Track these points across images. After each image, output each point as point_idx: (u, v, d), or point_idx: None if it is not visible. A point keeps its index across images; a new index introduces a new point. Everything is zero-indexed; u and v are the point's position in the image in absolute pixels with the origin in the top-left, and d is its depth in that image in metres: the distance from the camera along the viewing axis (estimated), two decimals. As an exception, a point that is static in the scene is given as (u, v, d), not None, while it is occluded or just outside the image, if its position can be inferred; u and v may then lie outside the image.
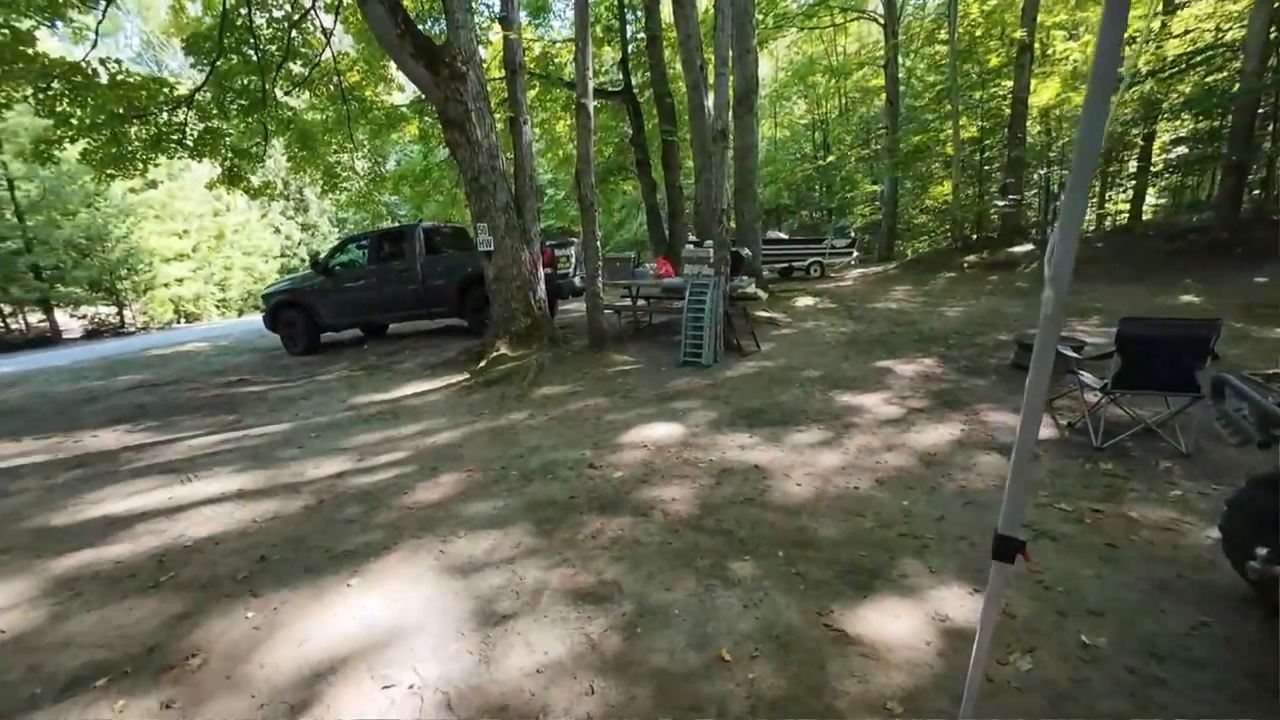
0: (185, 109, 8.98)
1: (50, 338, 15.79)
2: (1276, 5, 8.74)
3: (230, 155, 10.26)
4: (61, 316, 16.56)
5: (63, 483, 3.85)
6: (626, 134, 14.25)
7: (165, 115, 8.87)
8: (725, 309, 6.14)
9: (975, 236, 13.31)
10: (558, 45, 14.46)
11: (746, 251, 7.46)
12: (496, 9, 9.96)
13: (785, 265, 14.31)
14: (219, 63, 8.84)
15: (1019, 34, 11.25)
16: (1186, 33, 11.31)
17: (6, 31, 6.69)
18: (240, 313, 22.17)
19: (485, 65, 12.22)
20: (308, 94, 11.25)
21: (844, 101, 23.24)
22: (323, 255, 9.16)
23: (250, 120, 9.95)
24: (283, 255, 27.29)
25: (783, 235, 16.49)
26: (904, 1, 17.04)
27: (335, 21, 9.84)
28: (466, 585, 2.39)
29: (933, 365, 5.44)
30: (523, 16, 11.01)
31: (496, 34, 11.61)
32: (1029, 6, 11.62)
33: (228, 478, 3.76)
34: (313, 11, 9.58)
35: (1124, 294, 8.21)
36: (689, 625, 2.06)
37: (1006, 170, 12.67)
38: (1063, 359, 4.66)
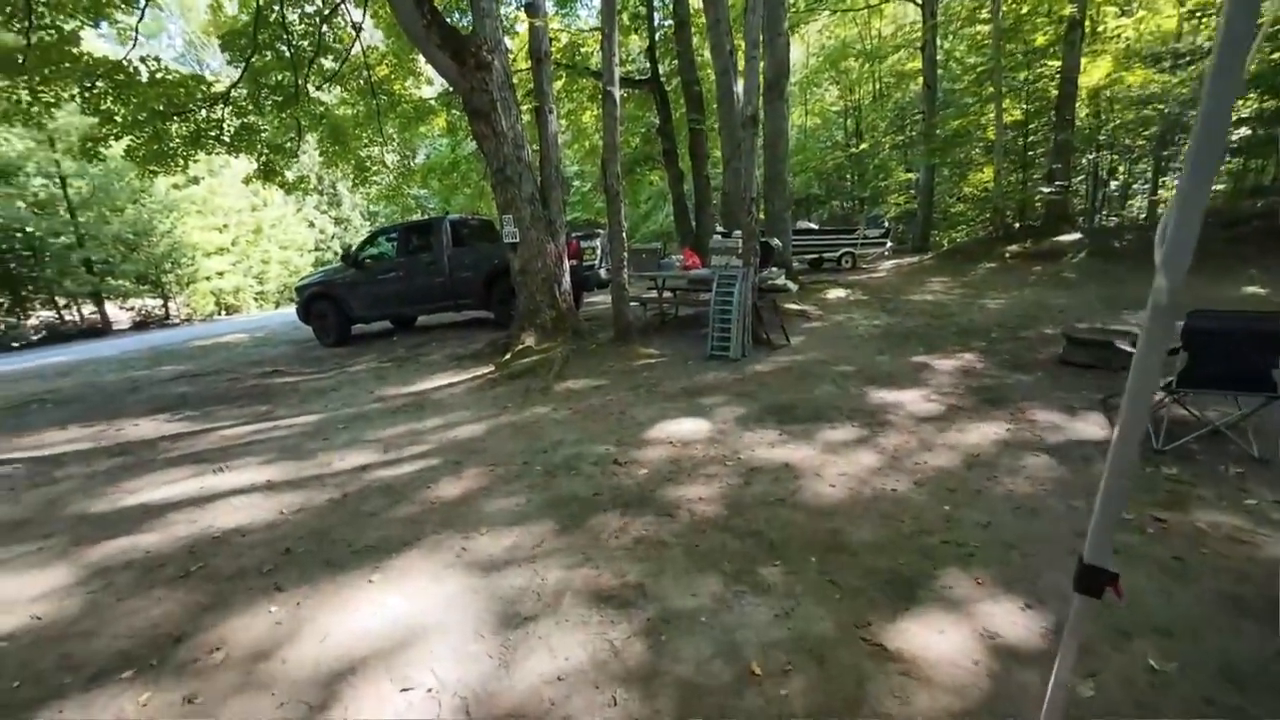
0: (222, 105, 9.18)
1: (101, 329, 16.50)
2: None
3: (265, 151, 10.48)
4: (111, 309, 17.29)
5: (104, 470, 3.96)
6: (653, 123, 14.10)
7: (204, 112, 9.09)
8: (754, 301, 5.98)
9: (1017, 225, 12.73)
10: (584, 34, 14.33)
11: (776, 242, 7.26)
12: (523, -2, 9.91)
13: (815, 256, 13.96)
14: (253, 59, 9.00)
15: (1068, 9, 10.64)
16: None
17: (54, 32, 6.90)
18: (277, 305, 22.82)
19: (512, 56, 12.20)
20: (339, 89, 11.40)
21: (878, 87, 22.51)
22: (353, 248, 9.29)
23: (284, 116, 10.13)
24: (317, 249, 27.95)
25: (813, 225, 16.09)
26: (944, -20, 16.34)
27: (365, 15, 9.91)
28: (487, 584, 2.34)
29: (973, 360, 5.20)
30: (549, 4, 10.93)
31: (523, 25, 11.56)
32: (1080, -21, 11.00)
33: (258, 468, 3.80)
34: (343, 6, 9.67)
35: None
36: (716, 633, 1.96)
37: (1052, 155, 12.06)
38: (1119, 354, 4.40)
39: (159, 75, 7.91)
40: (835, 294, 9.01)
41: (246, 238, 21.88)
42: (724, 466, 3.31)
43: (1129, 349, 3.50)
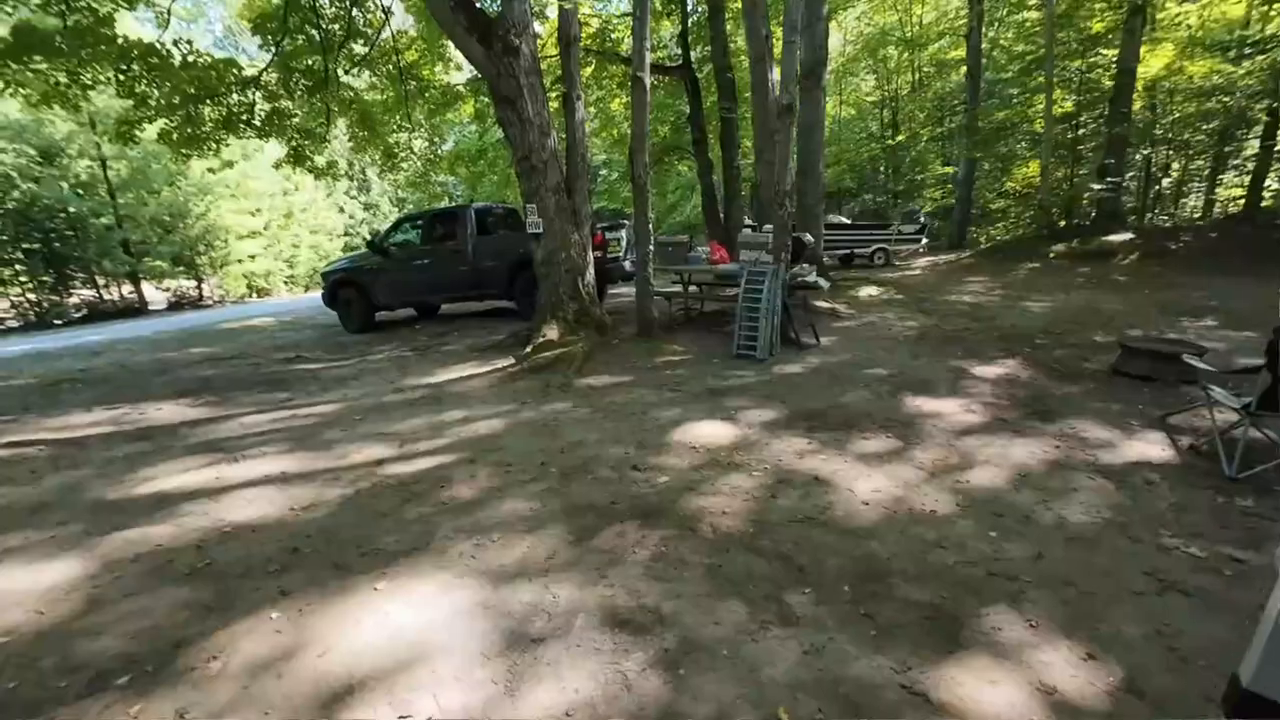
0: (253, 90, 9.21)
1: (138, 309, 16.96)
2: None
3: (296, 135, 10.52)
4: (148, 289, 17.76)
5: (123, 456, 3.96)
6: (683, 112, 13.79)
7: (235, 96, 9.13)
8: (784, 299, 5.75)
9: (1064, 223, 12.13)
10: (616, 21, 14.05)
11: (809, 237, 6.99)
12: (553, -20, 9.69)
13: (847, 252, 13.56)
14: (284, 42, 8.99)
15: (1129, -7, 10.00)
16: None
17: (89, 14, 6.95)
18: (306, 289, 23.19)
19: (542, 43, 12.01)
20: (368, 73, 11.37)
21: (917, 76, 21.72)
22: (379, 235, 9.27)
23: (314, 100, 10.13)
24: (346, 234, 28.31)
25: (845, 220, 15.63)
26: (993, -37, 15.57)
27: (395, -1, 9.83)
28: (496, 599, 2.21)
29: (1017, 368, 4.90)
30: (581, -11, 10.67)
31: (553, 10, 11.35)
32: (1142, -38, 10.33)
33: (273, 459, 3.75)
34: (373, -11, 9.60)
35: (1242, 291, 7.22)
36: (740, 670, 1.80)
37: (1106, 149, 11.41)
38: (1185, 369, 4.07)
39: (191, 59, 7.93)
40: (868, 292, 8.69)
41: (278, 222, 22.24)
42: (749, 477, 3.13)
43: (1200, 365, 3.20)
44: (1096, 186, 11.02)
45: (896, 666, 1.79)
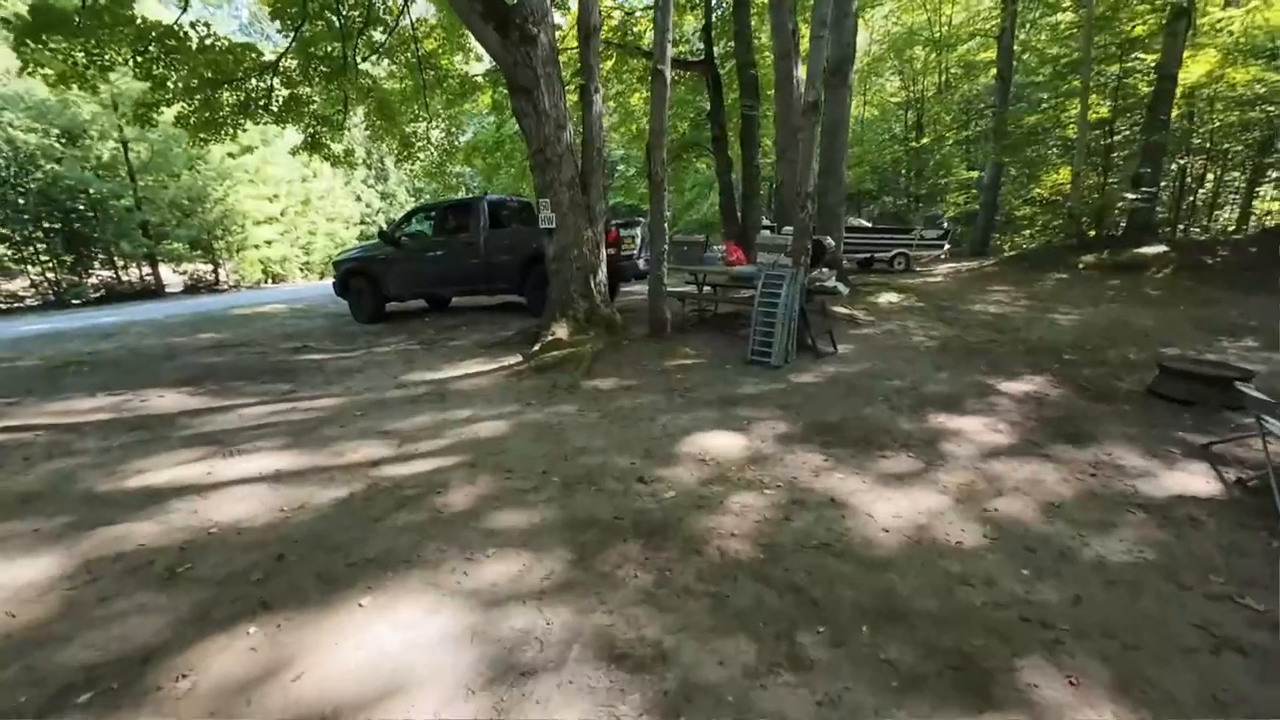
0: (271, 75, 9.15)
1: (155, 291, 17.09)
2: None
3: (313, 122, 10.47)
4: (165, 271, 17.90)
5: (118, 446, 3.87)
6: (703, 108, 13.57)
7: (253, 81, 9.09)
8: (801, 304, 5.54)
9: (1094, 233, 11.73)
10: (638, 14, 13.84)
11: (830, 241, 6.76)
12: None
13: (867, 256, 13.27)
14: (303, 28, 8.92)
15: (1175, -6, 9.58)
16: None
17: (108, -7, 6.91)
18: (321, 275, 23.30)
19: (562, 34, 11.84)
20: (387, 61, 11.29)
21: (944, 78, 21.24)
22: (391, 225, 9.18)
23: (332, 87, 10.07)
24: (363, 222, 28.40)
25: (865, 223, 15.32)
26: (1029, -37, 15.10)
27: (415, -14, 9.71)
28: (486, 622, 2.07)
29: (1045, 385, 4.67)
30: (603, -20, 10.49)
31: (575, 2, 11.19)
32: (1189, -39, 9.90)
33: (268, 455, 3.64)
34: (393, -25, 9.49)
35: (1284, 310, 6.87)
36: (746, 722, 1.63)
37: (1140, 158, 10.99)
38: (1223, 391, 3.83)
39: (208, 42, 7.88)
40: (887, 298, 8.44)
41: (295, 208, 22.32)
42: (761, 495, 2.96)
43: (1254, 393, 2.96)
44: (1130, 196, 10.61)
45: (921, 726, 1.61)
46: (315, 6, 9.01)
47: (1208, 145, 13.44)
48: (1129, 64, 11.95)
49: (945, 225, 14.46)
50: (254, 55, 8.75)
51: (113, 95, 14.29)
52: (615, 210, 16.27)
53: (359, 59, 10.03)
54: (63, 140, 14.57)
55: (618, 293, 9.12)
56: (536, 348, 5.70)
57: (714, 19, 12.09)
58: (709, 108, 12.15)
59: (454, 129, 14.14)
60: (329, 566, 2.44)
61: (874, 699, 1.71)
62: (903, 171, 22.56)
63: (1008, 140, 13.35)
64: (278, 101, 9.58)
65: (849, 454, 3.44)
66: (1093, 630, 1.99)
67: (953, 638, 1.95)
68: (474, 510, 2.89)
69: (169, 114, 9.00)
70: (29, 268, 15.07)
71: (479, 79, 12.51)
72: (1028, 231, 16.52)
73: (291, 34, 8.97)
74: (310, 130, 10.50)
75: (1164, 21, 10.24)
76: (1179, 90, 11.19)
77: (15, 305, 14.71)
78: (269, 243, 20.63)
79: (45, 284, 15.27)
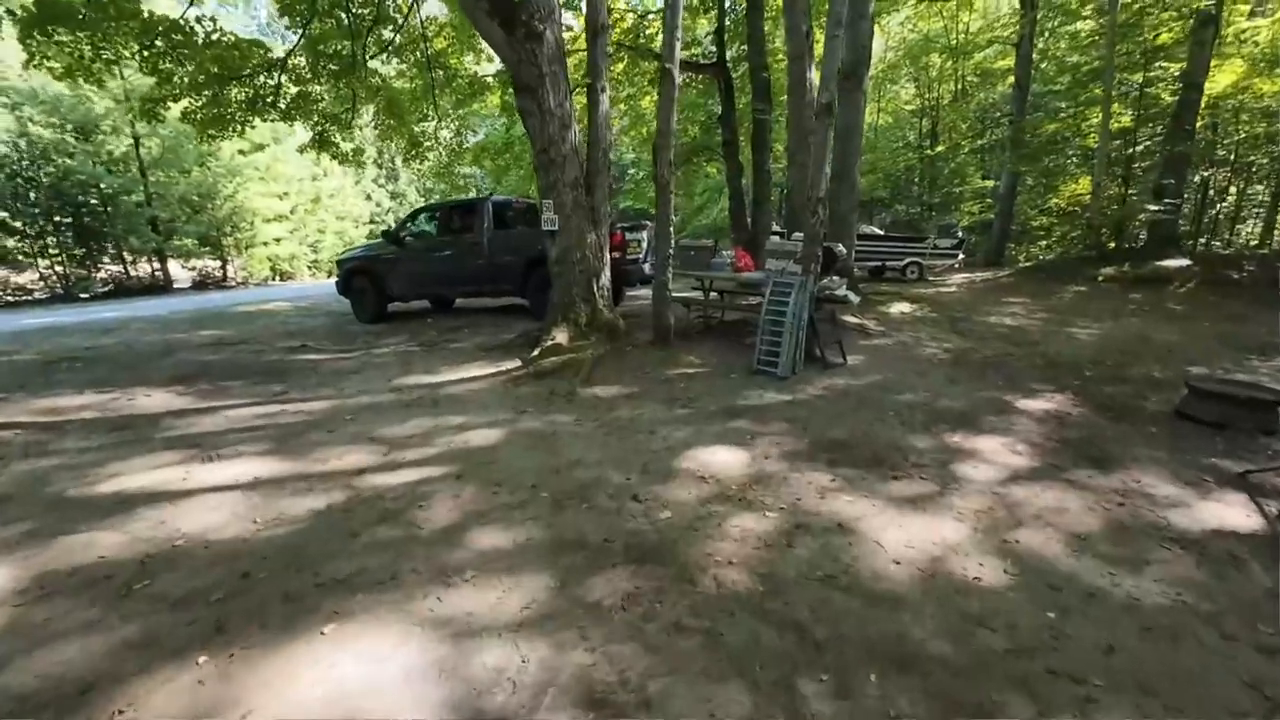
0: (278, 72, 9.10)
1: (163, 286, 17.15)
2: None
3: (322, 120, 10.42)
4: (174, 267, 17.97)
5: (97, 447, 3.75)
6: (715, 112, 13.42)
7: (261, 77, 9.04)
8: (810, 313, 5.35)
9: (1113, 245, 11.43)
10: (651, 16, 13.73)
11: (841, 248, 6.56)
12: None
13: (878, 264, 13.03)
14: (312, 24, 8.86)
15: (1203, 2, 9.30)
16: None
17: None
18: (329, 274, 23.32)
19: (574, 36, 11.74)
20: (396, 60, 11.23)
21: (960, 86, 20.96)
22: (395, 225, 9.09)
23: (341, 85, 10.01)
24: (372, 221, 28.47)
25: (877, 230, 15.08)
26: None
27: (424, -17, 9.64)
28: (457, 657, 1.89)
29: (1065, 403, 4.44)
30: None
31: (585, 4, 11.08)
32: (1217, -34, 9.60)
33: (249, 460, 3.49)
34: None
35: (1317, 329, 6.60)
36: (738, 789, 1.44)
37: (1164, 168, 10.69)
38: (1258, 414, 3.61)
39: (214, 37, 7.82)
40: (899, 308, 8.21)
41: (305, 206, 22.40)
42: (763, 518, 2.77)
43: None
44: (1153, 207, 10.31)
45: (937, 801, 1.41)
46: (324, 4, 8.94)
47: (1232, 157, 13.09)
48: (1152, 73, 11.66)
49: (960, 234, 14.19)
50: (262, 51, 8.70)
51: (125, 90, 14.36)
52: (625, 214, 16.12)
53: (368, 57, 9.97)
54: (76, 135, 14.65)
55: (623, 297, 8.96)
56: (535, 353, 5.54)
57: (727, 22, 11.94)
58: (720, 111, 12.00)
59: (462, 129, 14.08)
60: (296, 586, 2.28)
61: (883, 765, 1.51)
62: (916, 179, 22.28)
63: (1025, 149, 13.08)
64: (285, 98, 9.53)
65: (858, 474, 3.24)
66: (1128, 685, 1.78)
67: (972, 690, 1.76)
68: (456, 526, 2.72)
69: (176, 109, 8.96)
70: (38, 261, 15.15)
71: (489, 79, 12.43)
72: (1044, 242, 16.20)
73: (300, 30, 8.91)
74: (319, 128, 10.46)
75: (1190, 29, 9.96)
76: (1203, 100, 10.91)
77: (23, 298, 14.79)
78: (278, 240, 20.68)
79: (54, 277, 15.34)
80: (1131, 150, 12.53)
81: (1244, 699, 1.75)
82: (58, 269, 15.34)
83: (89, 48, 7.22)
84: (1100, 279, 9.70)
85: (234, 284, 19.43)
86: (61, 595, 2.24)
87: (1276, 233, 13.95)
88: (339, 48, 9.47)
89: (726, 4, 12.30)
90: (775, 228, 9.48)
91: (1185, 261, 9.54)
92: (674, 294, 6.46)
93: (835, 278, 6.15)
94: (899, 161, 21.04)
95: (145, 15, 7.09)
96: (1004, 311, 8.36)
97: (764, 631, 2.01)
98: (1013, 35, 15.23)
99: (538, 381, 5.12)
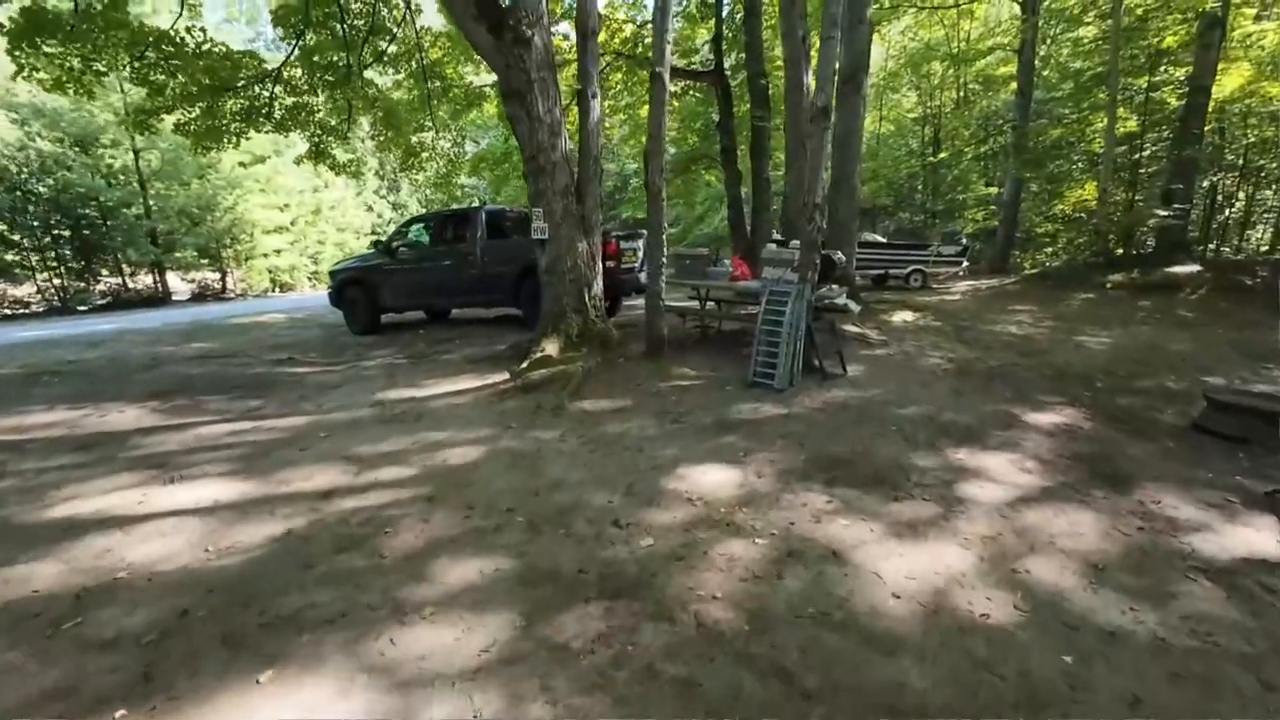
0: (272, 83, 9.04)
1: (162, 298, 17.10)
2: None
3: (317, 131, 10.36)
4: (173, 279, 17.94)
5: (56, 467, 3.58)
6: (713, 120, 13.32)
7: (255, 89, 8.97)
8: (808, 322, 5.15)
9: (1122, 251, 11.20)
10: (650, 26, 13.69)
11: (840, 256, 6.37)
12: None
13: (881, 272, 12.84)
14: (306, 35, 8.81)
15: (1210, 3, 9.13)
16: None
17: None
18: (329, 285, 23.33)
19: (572, 46, 11.66)
20: (392, 71, 11.19)
21: (961, 93, 20.84)
22: (388, 236, 8.97)
23: (336, 96, 9.95)
24: (373, 232, 28.44)
25: (879, 238, 14.91)
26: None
27: (417, -9, 9.58)
28: (405, 709, 1.70)
29: (1076, 417, 4.22)
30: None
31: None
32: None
33: (212, 481, 3.32)
34: (397, -17, 9.38)
35: (1338, 336, 6.35)
36: None
37: (1172, 173, 10.48)
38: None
39: (205, 48, 7.76)
40: (902, 317, 8.00)
41: (305, 218, 22.41)
42: (752, 544, 2.56)
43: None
44: (1162, 213, 10.09)
45: None
46: (319, 15, 8.90)
47: (1240, 162, 12.88)
48: (1158, 77, 11.49)
49: (964, 241, 13.99)
50: (255, 62, 8.64)
51: (124, 103, 14.39)
52: (624, 223, 16.02)
53: (364, 67, 9.91)
54: (75, 148, 14.68)
55: (618, 308, 8.79)
56: (524, 365, 5.36)
57: (726, 30, 11.86)
58: (718, 119, 11.89)
59: (459, 139, 14.02)
60: (238, 625, 2.09)
61: None
62: (919, 187, 22.12)
63: (1029, 155, 12.90)
64: (280, 109, 9.47)
65: (856, 495, 3.04)
66: (1160, 747, 1.57)
67: (980, 754, 1.54)
68: (421, 554, 2.53)
69: (169, 121, 8.90)
70: (37, 274, 15.13)
71: (486, 89, 12.37)
72: (1050, 249, 15.97)
73: (293, 41, 8.85)
74: (315, 139, 10.39)
75: (1196, 32, 9.79)
76: (1210, 104, 10.72)
77: (20, 311, 14.75)
78: (278, 252, 20.67)
79: (52, 290, 15.31)
80: (1138, 155, 12.33)
81: (1293, 763, 1.53)
82: (56, 282, 15.33)
83: (78, 59, 7.17)
84: (1108, 286, 9.47)
85: (233, 296, 19.40)
86: (-17, 636, 2.06)
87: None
88: (334, 59, 9.42)
89: (724, 11, 12.24)
90: (775, 236, 9.31)
91: (1196, 267, 9.31)
92: (669, 304, 6.29)
93: (834, 286, 5.96)
94: (902, 169, 20.89)
95: (134, 26, 7.03)
96: (1010, 320, 8.14)
97: (746, 679, 1.80)
98: (1013, 41, 15.12)
99: (525, 395, 4.94)
